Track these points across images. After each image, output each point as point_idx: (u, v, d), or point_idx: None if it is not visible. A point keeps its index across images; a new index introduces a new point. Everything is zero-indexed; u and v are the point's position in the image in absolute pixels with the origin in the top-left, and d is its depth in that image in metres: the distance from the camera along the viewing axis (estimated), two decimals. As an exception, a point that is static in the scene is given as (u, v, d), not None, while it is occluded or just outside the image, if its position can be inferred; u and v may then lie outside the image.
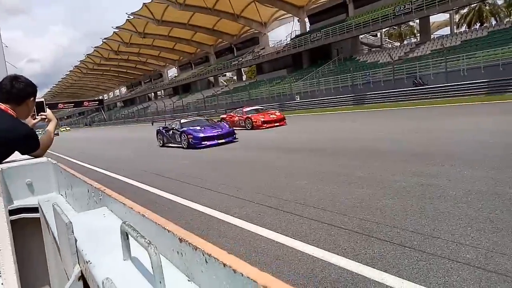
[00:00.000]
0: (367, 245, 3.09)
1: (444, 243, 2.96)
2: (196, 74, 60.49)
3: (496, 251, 2.72)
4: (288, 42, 45.16)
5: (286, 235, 3.53)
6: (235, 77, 63.88)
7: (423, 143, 8.09)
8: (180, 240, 0.73)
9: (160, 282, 0.68)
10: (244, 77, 60.86)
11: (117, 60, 72.44)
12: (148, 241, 0.70)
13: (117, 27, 57.11)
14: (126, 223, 0.83)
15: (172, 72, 76.98)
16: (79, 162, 12.13)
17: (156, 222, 0.84)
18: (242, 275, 0.54)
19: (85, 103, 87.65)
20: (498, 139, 7.33)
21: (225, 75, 69.86)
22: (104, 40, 63.33)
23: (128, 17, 52.18)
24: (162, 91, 76.49)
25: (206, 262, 0.65)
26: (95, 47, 67.41)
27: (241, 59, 51.00)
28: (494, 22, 42.00)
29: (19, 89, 1.94)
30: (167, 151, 13.16)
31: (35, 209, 1.66)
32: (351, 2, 37.98)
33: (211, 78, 61.57)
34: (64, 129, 69.00)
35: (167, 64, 73.71)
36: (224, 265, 0.59)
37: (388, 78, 27.56)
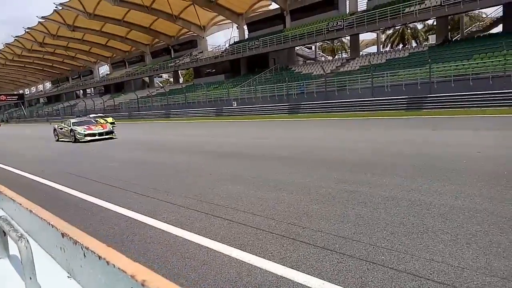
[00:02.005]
0: (292, 249, 3.19)
1: (362, 245, 3.16)
2: (130, 73, 58.08)
3: (406, 252, 2.97)
4: (227, 48, 45.37)
5: (215, 240, 3.51)
6: (171, 79, 62.53)
7: (348, 152, 8.59)
8: (63, 235, 0.70)
9: (31, 278, 0.65)
10: (181, 80, 59.80)
11: (42, 53, 67.05)
12: (19, 235, 0.66)
13: (42, 17, 52.91)
14: (3, 217, 0.77)
15: (104, 69, 73.23)
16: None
17: (41, 218, 0.80)
18: (114, 266, 0.54)
19: (2, 97, 79.59)
20: (413, 151, 8.03)
21: (161, 76, 68.08)
22: (27, 30, 58.26)
23: (56, 7, 48.62)
24: (92, 89, 72.27)
25: (85, 256, 0.63)
26: (15, 36, 61.75)
27: (178, 61, 50.11)
28: (414, 44, 46.24)
29: None
30: (95, 152, 12.43)
31: None
32: (288, 14, 39.30)
33: (146, 79, 59.60)
34: None
35: (99, 60, 69.87)
36: (100, 257, 0.57)
37: (320, 89, 28.90)
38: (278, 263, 2.94)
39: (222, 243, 3.43)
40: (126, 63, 64.36)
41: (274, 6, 41.41)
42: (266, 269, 2.85)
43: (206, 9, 43.06)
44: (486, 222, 3.50)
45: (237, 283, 2.65)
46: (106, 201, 5.22)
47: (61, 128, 17.94)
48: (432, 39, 33.04)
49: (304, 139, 12.43)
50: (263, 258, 3.05)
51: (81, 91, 75.52)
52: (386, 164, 6.74)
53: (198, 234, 3.69)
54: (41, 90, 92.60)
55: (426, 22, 42.86)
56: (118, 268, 0.53)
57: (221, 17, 46.92)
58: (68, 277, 0.71)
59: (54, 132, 18.58)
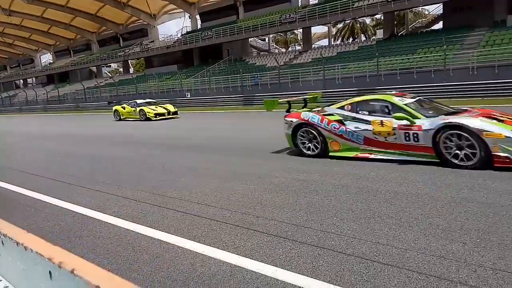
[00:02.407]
0: (246, 238, 3.23)
1: (313, 232, 3.26)
2: (76, 63, 54.96)
3: (354, 237, 3.11)
4: (179, 38, 44.30)
5: (168, 232, 3.46)
6: (121, 69, 60.06)
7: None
8: None
9: None
10: (131, 70, 57.60)
11: (-27, 39, 61.55)
12: None
13: (-27, 0, 48.43)
14: None
15: (47, 58, 68.62)
16: None
17: None
18: (32, 251, 0.52)
19: None
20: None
21: (109, 66, 65.16)
22: (-45, 14, 53.08)
23: (-11, -11, 44.70)
24: (34, 78, 67.61)
25: (3, 244, 0.61)
26: None
27: (128, 50, 48.15)
28: (363, 38, 47.97)
29: None
30: (36, 145, 11.67)
31: None
32: (242, 5, 39.09)
33: (94, 68, 56.74)
34: None
35: (40, 48, 65.29)
36: (18, 243, 0.56)
37: (274, 81, 29.18)
38: (232, 252, 2.96)
39: (176, 235, 3.39)
40: (71, 51, 60.75)
41: (227, -4, 40.94)
42: (220, 259, 2.86)
43: (157, -3, 41.69)
44: (427, 206, 3.74)
45: (190, 274, 2.64)
46: (52, 196, 4.95)
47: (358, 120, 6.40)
48: (380, 34, 34.43)
49: (256, 130, 12.52)
50: (217, 248, 3.05)
51: (21, 80, 70.43)
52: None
53: (151, 227, 3.61)
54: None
55: (375, 17, 44.63)
56: (36, 252, 0.52)
57: (172, 6, 45.58)
58: None
59: (302, 137, 6.86)
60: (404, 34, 33.81)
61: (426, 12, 41.75)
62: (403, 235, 3.09)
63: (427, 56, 23.20)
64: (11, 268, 0.60)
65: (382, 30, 34.09)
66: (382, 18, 34.72)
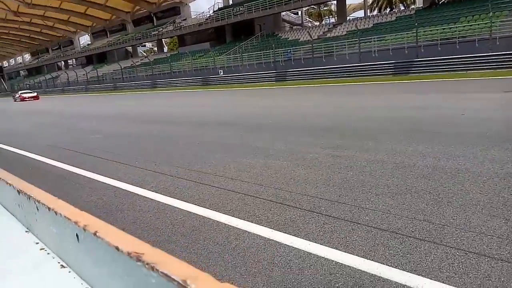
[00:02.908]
0: (279, 212, 3.26)
1: (347, 207, 3.24)
2: (112, 43, 56.32)
3: (390, 212, 3.06)
4: (211, 15, 44.10)
5: (203, 207, 3.55)
6: (155, 48, 60.97)
7: (334, 118, 8.63)
8: (19, 192, 0.73)
9: None
10: (165, 49, 58.30)
11: (18, 23, 64.19)
12: None
13: (14, -16, 50.33)
14: None
15: (85, 39, 70.79)
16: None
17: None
18: (61, 215, 0.57)
19: (-21, 70, 76.89)
20: (399, 115, 8.11)
21: (144, 45, 66.30)
22: (-2, -2, 55.48)
23: (29, -27, 46.14)
24: (74, 60, 70.15)
25: (38, 209, 0.66)
26: (-13, 5, 58.82)
27: (161, 29, 48.61)
28: (402, 8, 45.61)
29: None
30: (76, 124, 12.22)
31: None
32: (274, -22, 38.13)
33: (129, 48, 57.95)
34: None
35: (78, 30, 67.33)
36: (49, 209, 0.60)
37: (308, 56, 28.59)
38: (265, 226, 3.01)
39: (211, 209, 3.47)
40: (107, 32, 62.23)
41: (258, -31, 39.96)
42: (254, 233, 2.91)
43: (188, -26, 41.40)
44: (467, 182, 3.60)
45: (225, 247, 2.72)
46: (94, 172, 5.20)
47: None
48: (420, 2, 32.58)
49: (290, 107, 12.41)
50: (251, 222, 3.11)
51: (63, 62, 73.29)
52: (372, 128, 6.81)
53: (187, 202, 3.72)
54: (21, 62, 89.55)
55: (414, -16, 42.13)
56: (65, 216, 0.57)
57: (204, -18, 45.26)
58: (26, 231, 0.75)
59: None
60: (445, 1, 31.78)
61: (472, -23, 38.83)
62: (441, 211, 3.00)
63: (470, 25, 21.79)
64: (46, 232, 0.67)
65: (422, -2, 32.23)
66: (423, -15, 32.73)
